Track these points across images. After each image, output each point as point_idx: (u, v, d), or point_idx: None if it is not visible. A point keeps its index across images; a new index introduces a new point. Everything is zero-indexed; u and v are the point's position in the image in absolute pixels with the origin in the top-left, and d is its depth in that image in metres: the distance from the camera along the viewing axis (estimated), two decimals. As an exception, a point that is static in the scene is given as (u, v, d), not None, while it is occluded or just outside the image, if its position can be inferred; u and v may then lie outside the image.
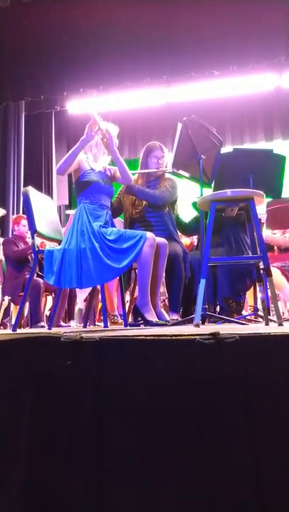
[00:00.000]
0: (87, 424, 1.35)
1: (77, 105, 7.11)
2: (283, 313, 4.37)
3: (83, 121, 2.76)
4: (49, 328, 2.85)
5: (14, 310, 4.64)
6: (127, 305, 3.52)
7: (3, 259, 4.73)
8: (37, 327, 4.08)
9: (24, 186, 3.47)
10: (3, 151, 6.97)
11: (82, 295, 4.40)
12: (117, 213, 3.32)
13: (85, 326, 3.26)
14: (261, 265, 2.46)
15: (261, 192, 2.36)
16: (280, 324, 2.16)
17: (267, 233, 4.20)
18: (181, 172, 2.93)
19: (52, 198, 6.79)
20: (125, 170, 2.83)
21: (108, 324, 2.83)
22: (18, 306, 4.40)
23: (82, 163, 2.82)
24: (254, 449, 1.27)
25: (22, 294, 4.23)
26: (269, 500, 1.25)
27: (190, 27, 5.53)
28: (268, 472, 1.27)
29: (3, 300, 4.53)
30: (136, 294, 3.24)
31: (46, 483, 1.33)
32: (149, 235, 2.63)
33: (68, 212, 5.58)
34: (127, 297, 3.70)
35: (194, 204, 3.47)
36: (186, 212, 3.66)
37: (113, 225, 2.81)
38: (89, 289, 3.49)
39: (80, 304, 4.83)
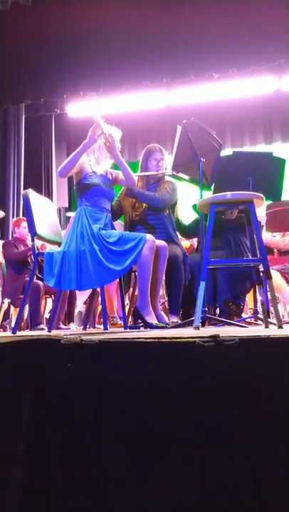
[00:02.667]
0: (87, 425, 1.35)
1: (77, 108, 7.13)
2: (283, 316, 4.37)
3: (83, 124, 2.78)
4: (49, 331, 2.85)
5: (14, 312, 4.63)
6: (127, 307, 3.52)
7: (3, 261, 4.73)
8: (37, 329, 4.08)
9: (24, 189, 3.47)
10: (4, 153, 6.97)
11: (82, 297, 4.39)
12: (118, 216, 3.33)
13: (84, 329, 3.25)
14: (261, 268, 2.46)
15: (261, 195, 2.36)
16: (280, 327, 2.16)
17: (266, 236, 4.20)
18: (180, 175, 2.94)
19: (52, 200, 6.79)
20: (128, 172, 2.84)
21: (108, 326, 2.83)
22: (18, 309, 4.39)
23: (84, 165, 2.82)
24: (254, 451, 1.27)
25: (22, 296, 4.23)
26: (268, 500, 1.25)
27: (190, 30, 5.55)
28: (268, 473, 1.27)
29: (2, 302, 4.53)
30: (135, 296, 3.24)
31: (45, 484, 1.33)
32: (149, 237, 2.63)
33: (69, 214, 5.59)
34: (127, 299, 3.70)
35: (195, 206, 3.47)
36: (186, 215, 3.66)
37: (113, 228, 2.82)
38: (89, 292, 3.49)
39: (79, 307, 4.82)
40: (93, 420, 1.35)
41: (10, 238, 5.59)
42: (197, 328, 2.21)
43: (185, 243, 4.24)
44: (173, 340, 1.38)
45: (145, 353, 1.39)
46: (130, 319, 3.38)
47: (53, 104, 6.91)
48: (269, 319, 2.53)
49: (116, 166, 2.91)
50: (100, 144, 2.83)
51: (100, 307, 4.17)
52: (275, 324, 2.37)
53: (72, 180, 2.96)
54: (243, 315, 3.57)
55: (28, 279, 3.97)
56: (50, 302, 4.90)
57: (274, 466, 1.28)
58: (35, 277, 3.36)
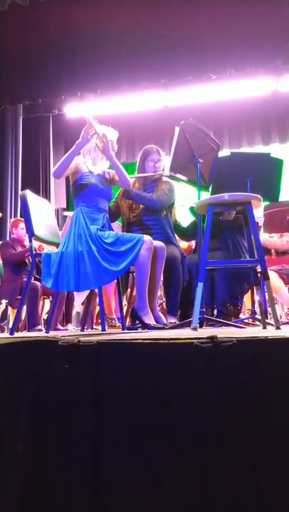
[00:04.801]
0: (85, 426, 1.35)
1: (75, 109, 7.11)
2: (281, 317, 4.37)
3: (81, 125, 2.77)
4: (46, 332, 2.84)
5: (12, 313, 4.62)
6: (125, 308, 3.52)
7: (1, 262, 4.72)
8: (34, 330, 4.07)
9: (22, 189, 3.47)
10: (1, 154, 6.96)
11: (79, 298, 4.40)
12: (115, 217, 3.33)
13: (82, 330, 3.25)
14: (259, 269, 2.46)
15: (259, 196, 2.36)
16: (278, 328, 2.16)
17: (264, 237, 4.20)
18: (178, 176, 2.94)
19: (50, 201, 6.79)
20: (123, 174, 2.83)
21: (106, 328, 2.83)
22: (15, 310, 4.38)
23: (80, 165, 2.82)
24: (253, 452, 1.27)
25: (20, 297, 4.23)
26: (267, 500, 1.25)
27: (188, 31, 5.55)
28: (267, 474, 1.27)
29: (0, 303, 4.52)
30: (133, 297, 3.24)
31: (45, 485, 1.33)
32: (147, 238, 2.63)
33: (66, 213, 5.57)
34: (125, 300, 3.70)
35: (192, 209, 3.47)
36: (184, 217, 3.66)
37: (110, 229, 2.81)
38: (86, 293, 3.49)
39: (77, 308, 4.83)
40: (92, 421, 1.35)
41: (8, 239, 5.58)
42: (195, 329, 2.21)
43: (183, 244, 4.24)
44: (171, 341, 1.38)
45: (143, 354, 1.39)
46: (128, 320, 3.38)
47: (50, 104, 6.91)
48: (267, 320, 2.53)
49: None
50: (95, 145, 2.83)
51: (97, 308, 4.17)
52: (272, 325, 2.37)
53: (70, 181, 2.95)
54: (241, 316, 3.57)
55: (25, 279, 3.97)
56: (47, 303, 4.90)
57: (273, 467, 1.28)
58: (32, 278, 3.36)
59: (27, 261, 4.42)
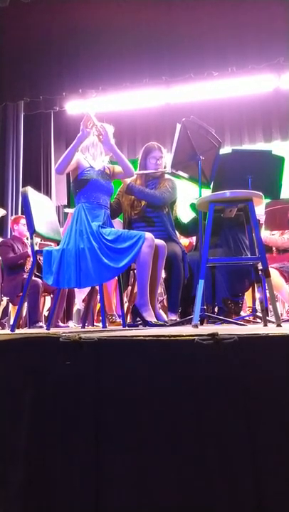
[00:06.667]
0: (86, 424, 1.35)
1: (76, 106, 7.11)
2: (281, 314, 4.37)
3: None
4: (47, 329, 2.85)
5: (13, 310, 4.63)
6: (126, 305, 3.52)
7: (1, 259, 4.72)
8: (35, 327, 4.07)
9: (23, 186, 3.47)
10: (2, 151, 6.95)
11: (80, 295, 4.39)
12: (116, 214, 3.32)
13: (83, 327, 3.26)
14: (260, 266, 2.46)
15: (260, 193, 2.36)
16: (279, 325, 2.16)
17: (265, 234, 4.20)
18: (180, 173, 2.94)
19: (51, 198, 6.79)
20: (125, 163, 2.83)
21: (107, 324, 2.83)
22: (16, 307, 4.39)
23: (81, 161, 2.82)
24: (253, 449, 1.27)
25: (21, 294, 4.23)
26: (267, 499, 1.25)
27: (189, 28, 5.53)
28: (267, 472, 1.27)
29: (1, 300, 4.52)
30: (134, 294, 3.24)
31: (45, 484, 1.33)
32: (148, 235, 2.63)
33: (67, 210, 5.55)
34: (126, 297, 3.70)
35: (192, 205, 3.47)
36: (185, 214, 3.66)
37: (111, 226, 2.81)
38: (87, 289, 3.49)
39: (78, 305, 4.83)
40: (92, 419, 1.35)
41: (8, 236, 5.57)
42: (196, 326, 2.21)
43: (184, 241, 4.24)
44: (172, 338, 1.38)
45: (144, 351, 1.39)
46: (129, 317, 3.38)
47: (51, 101, 6.89)
48: (268, 317, 2.53)
49: (114, 163, 2.91)
50: (93, 141, 2.84)
51: (98, 305, 4.17)
52: (273, 322, 2.37)
53: (70, 178, 2.95)
54: (242, 313, 3.57)
55: (26, 277, 3.97)
56: (48, 300, 4.90)
57: (274, 465, 1.28)
58: (33, 275, 3.36)
59: (27, 262, 4.43)
